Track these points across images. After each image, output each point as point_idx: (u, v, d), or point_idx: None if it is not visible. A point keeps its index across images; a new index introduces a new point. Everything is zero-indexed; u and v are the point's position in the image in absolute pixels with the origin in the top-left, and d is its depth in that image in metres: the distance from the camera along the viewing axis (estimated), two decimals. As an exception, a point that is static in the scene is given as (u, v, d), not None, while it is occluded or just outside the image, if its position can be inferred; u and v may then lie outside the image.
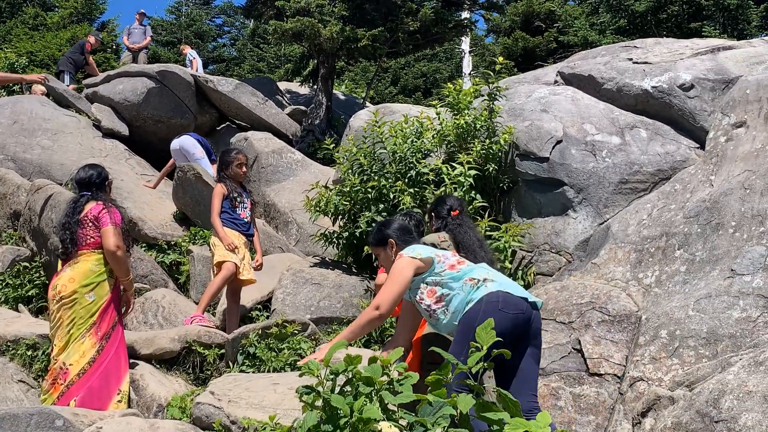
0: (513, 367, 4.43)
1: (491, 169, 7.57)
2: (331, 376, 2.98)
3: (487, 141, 7.67)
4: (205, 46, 36.78)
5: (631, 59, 8.37)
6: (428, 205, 6.78)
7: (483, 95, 8.15)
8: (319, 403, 2.95)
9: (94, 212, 5.59)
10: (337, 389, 3.00)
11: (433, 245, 4.99)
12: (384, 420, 2.80)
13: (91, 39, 17.24)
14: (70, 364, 5.33)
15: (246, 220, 7.23)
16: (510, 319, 4.30)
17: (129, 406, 5.34)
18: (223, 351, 6.17)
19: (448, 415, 2.84)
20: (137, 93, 13.81)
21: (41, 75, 9.21)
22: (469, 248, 5.25)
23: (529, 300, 4.49)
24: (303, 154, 12.78)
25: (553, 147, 7.52)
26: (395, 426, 2.75)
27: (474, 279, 4.52)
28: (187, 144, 10.66)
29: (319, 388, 2.96)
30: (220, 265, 6.87)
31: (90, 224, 5.57)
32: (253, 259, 7.25)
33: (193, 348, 6.10)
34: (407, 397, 2.91)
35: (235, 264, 6.85)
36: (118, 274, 5.55)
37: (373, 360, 3.01)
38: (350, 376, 2.98)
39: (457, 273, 4.58)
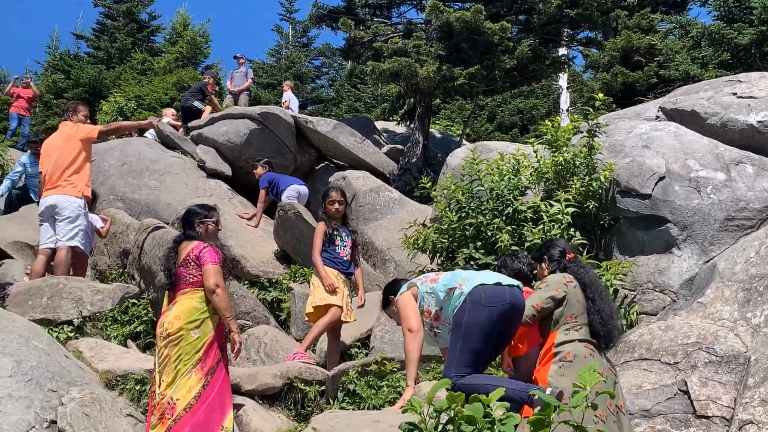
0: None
1: (591, 206, 7.48)
2: (435, 414, 2.99)
3: (587, 178, 7.59)
4: (304, 88, 37.58)
5: (735, 93, 8.18)
6: (533, 248, 6.76)
7: (582, 132, 8.08)
8: (421, 440, 2.96)
9: (196, 251, 5.75)
10: (440, 427, 3.01)
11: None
12: (486, 459, 2.79)
13: (211, 80, 18.00)
14: (177, 399, 5.47)
15: (345, 258, 7.32)
16: (497, 311, 4.78)
17: (233, 441, 5.45)
18: (323, 388, 6.24)
19: (549, 455, 2.82)
20: (240, 134, 14.22)
21: (150, 122, 9.66)
22: (596, 288, 5.19)
23: (505, 284, 4.95)
24: (400, 192, 12.88)
25: (656, 183, 7.39)
26: (498, 465, 2.74)
27: (451, 288, 5.01)
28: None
29: (422, 426, 2.97)
30: (318, 307, 6.99)
31: (192, 263, 5.74)
32: (355, 295, 7.35)
33: (295, 384, 6.20)
34: (509, 437, 2.90)
35: (340, 308, 6.94)
36: (219, 313, 5.65)
37: (474, 399, 3.01)
38: (452, 414, 2.98)
39: (437, 284, 5.14)
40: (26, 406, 5.31)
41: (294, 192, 11.33)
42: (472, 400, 3.02)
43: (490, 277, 5.06)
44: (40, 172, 8.83)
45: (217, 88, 17.93)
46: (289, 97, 19.70)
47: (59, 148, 8.60)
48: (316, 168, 15.28)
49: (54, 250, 8.50)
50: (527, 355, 5.19)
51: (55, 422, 5.36)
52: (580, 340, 4.96)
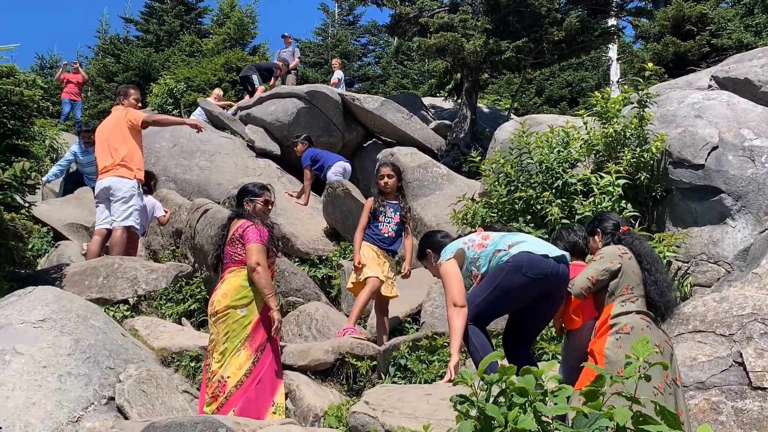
0: (523, 321, 5.15)
1: (642, 177, 7.38)
2: (486, 386, 2.99)
3: (638, 149, 7.48)
4: (350, 66, 37.55)
5: (790, 60, 7.99)
6: (584, 221, 6.72)
7: (632, 103, 7.96)
8: (473, 412, 2.96)
9: (240, 230, 5.81)
10: (491, 399, 3.01)
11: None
12: (539, 430, 2.79)
13: (283, 67, 18.25)
14: (227, 377, 5.55)
15: (387, 235, 7.32)
16: (532, 281, 4.90)
17: (287, 416, 5.51)
18: (375, 363, 6.27)
19: (604, 427, 2.80)
20: (288, 113, 14.29)
21: (196, 123, 9.65)
22: (651, 259, 5.18)
23: (552, 256, 5.00)
24: (448, 168, 12.80)
25: (709, 153, 7.26)
26: (550, 437, 2.73)
27: (499, 250, 5.09)
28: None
29: (474, 398, 2.97)
30: (357, 283, 7.06)
31: (237, 241, 5.80)
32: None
33: (347, 360, 6.24)
34: (562, 409, 2.89)
35: (378, 279, 6.98)
36: (259, 290, 5.66)
37: (526, 371, 3.00)
38: (504, 386, 2.98)
39: (485, 249, 5.17)
40: (85, 383, 5.43)
41: (340, 168, 11.39)
42: (523, 372, 3.01)
43: (539, 246, 5.11)
44: (96, 158, 9.02)
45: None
46: (341, 76, 19.75)
47: (111, 132, 8.77)
48: (364, 145, 15.29)
49: (109, 231, 8.67)
50: (582, 328, 5.15)
51: (113, 399, 5.46)
52: (637, 312, 4.92)
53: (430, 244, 5.66)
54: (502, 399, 2.99)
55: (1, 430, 4.86)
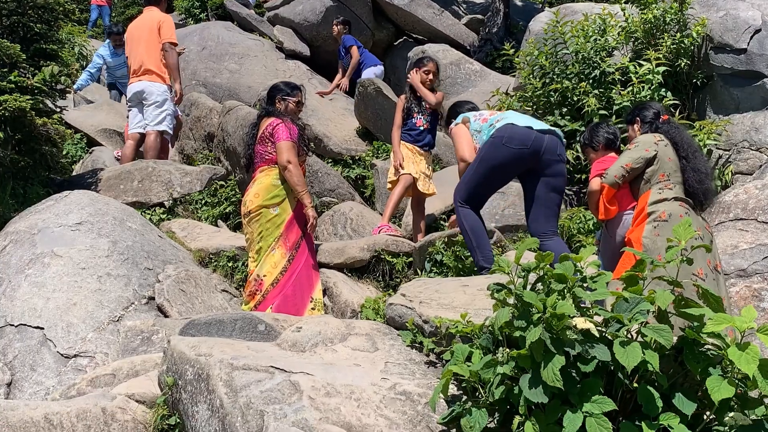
0: (528, 195, 5.21)
1: (683, 64, 7.15)
2: (523, 273, 2.95)
3: (678, 35, 7.23)
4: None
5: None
6: (622, 111, 6.59)
7: (671, -13, 7.67)
8: (510, 300, 2.94)
9: (269, 128, 5.75)
10: (529, 287, 2.97)
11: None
12: (578, 315, 2.75)
13: None
14: (264, 275, 5.59)
15: (422, 128, 7.18)
16: (513, 152, 4.98)
17: (325, 313, 5.56)
18: (410, 259, 6.27)
19: (645, 310, 2.76)
20: (316, 12, 14.02)
21: (179, 95, 8.98)
22: (690, 146, 5.12)
23: (537, 128, 5.06)
24: (481, 64, 12.57)
25: (751, 37, 7.01)
26: (590, 321, 2.69)
27: (491, 124, 5.25)
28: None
29: (511, 286, 2.94)
30: (393, 181, 7.00)
31: (267, 140, 5.74)
32: (437, 168, 7.32)
33: (382, 257, 6.23)
34: (601, 294, 2.84)
35: (411, 175, 6.90)
36: (292, 188, 5.66)
37: (564, 258, 2.95)
38: (541, 273, 2.94)
39: (486, 123, 5.33)
40: (124, 284, 5.49)
41: (372, 73, 11.24)
42: (561, 259, 2.96)
43: (523, 119, 5.19)
44: (127, 57, 8.92)
45: None
46: None
47: (144, 36, 8.64)
48: (394, 44, 15.01)
49: (143, 135, 8.65)
50: (619, 218, 5.09)
51: (152, 299, 5.53)
52: (675, 199, 4.83)
53: (453, 113, 6.01)
54: (540, 286, 2.96)
55: (44, 331, 4.95)
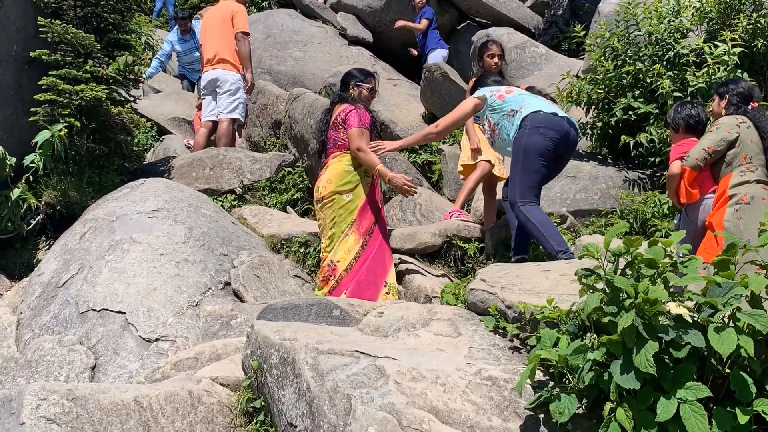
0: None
1: (759, 45, 6.95)
2: (613, 259, 2.91)
3: (754, 15, 7.02)
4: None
5: None
6: (697, 93, 6.48)
7: (747, -35, 7.45)
8: (599, 285, 2.90)
9: (342, 115, 5.78)
10: (618, 272, 2.93)
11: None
12: (670, 301, 2.71)
13: None
14: (337, 261, 5.62)
15: None
16: (552, 140, 5.21)
17: (398, 297, 5.57)
18: (482, 245, 6.24)
19: (738, 295, 2.70)
20: (379, -2, 14.00)
21: (251, 85, 9.00)
22: None
23: (561, 115, 5.36)
24: (546, 47, 12.40)
25: (832, 15, 6.77)
26: (683, 306, 2.65)
27: (513, 110, 5.45)
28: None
29: (600, 271, 2.90)
30: (467, 165, 6.94)
31: (340, 126, 5.77)
32: None
33: (454, 242, 6.22)
34: (693, 279, 2.80)
35: (489, 161, 6.85)
36: (368, 169, 5.74)
37: (653, 242, 2.91)
38: (631, 258, 2.90)
39: (502, 102, 5.55)
40: (201, 269, 5.57)
41: (438, 56, 11.20)
42: (651, 244, 2.92)
43: (546, 105, 5.42)
44: (200, 45, 9.03)
45: None
46: None
47: (219, 28, 8.74)
48: (458, 28, 14.89)
49: (215, 123, 8.75)
50: (701, 201, 5.00)
51: (228, 284, 5.61)
52: (758, 181, 4.73)
53: (475, 87, 6.07)
54: (629, 271, 2.91)
55: (125, 315, 5.05)
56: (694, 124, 5.32)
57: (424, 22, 11.45)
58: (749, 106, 5.11)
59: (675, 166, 5.10)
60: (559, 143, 5.26)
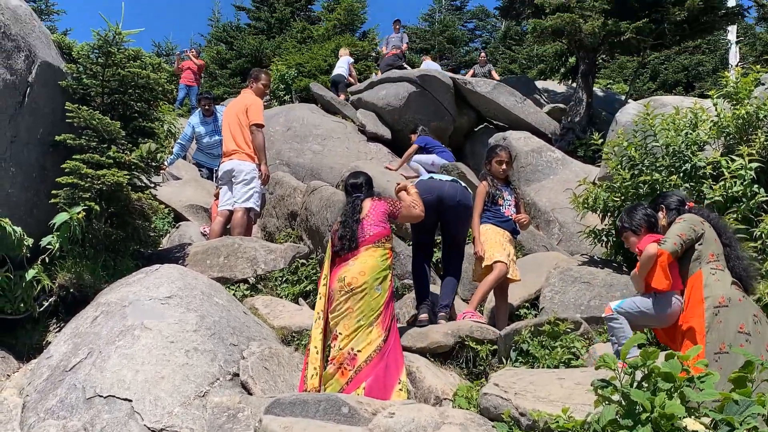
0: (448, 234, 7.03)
1: (776, 160, 7.03)
2: (630, 371, 2.88)
3: (772, 131, 7.14)
4: (457, 51, 37.33)
5: None
6: (713, 206, 6.58)
7: (764, 84, 7.61)
8: (615, 397, 2.87)
9: (381, 209, 5.89)
10: (635, 384, 2.90)
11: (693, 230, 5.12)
12: (687, 416, 2.67)
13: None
14: (358, 350, 5.56)
15: (510, 217, 7.18)
16: (426, 201, 6.32)
17: (408, 397, 5.50)
18: (495, 347, 6.19)
19: (755, 414, 2.67)
20: (399, 98, 14.29)
21: (265, 176, 9.23)
22: (731, 234, 5.25)
23: (438, 178, 6.83)
24: (563, 152, 12.57)
25: None
26: (700, 422, 2.61)
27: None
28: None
29: (616, 383, 2.88)
30: (486, 265, 6.93)
31: (380, 221, 5.89)
32: (521, 255, 7.26)
33: (466, 343, 6.17)
34: (710, 395, 2.77)
35: (506, 264, 6.84)
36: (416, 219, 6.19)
37: (670, 356, 2.89)
38: (647, 371, 2.87)
39: None
40: (211, 359, 5.53)
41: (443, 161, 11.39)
42: (667, 357, 2.90)
43: (431, 174, 6.96)
44: (222, 138, 9.24)
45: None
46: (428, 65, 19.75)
47: (235, 121, 8.97)
48: (475, 129, 15.16)
49: (232, 212, 8.86)
50: (670, 296, 5.01)
51: (237, 375, 5.55)
52: (732, 283, 4.85)
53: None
54: (645, 384, 2.89)
55: (132, 403, 4.99)
56: (655, 222, 5.44)
57: (413, 138, 11.87)
58: (686, 206, 5.32)
59: (652, 248, 5.06)
60: (433, 205, 6.55)
